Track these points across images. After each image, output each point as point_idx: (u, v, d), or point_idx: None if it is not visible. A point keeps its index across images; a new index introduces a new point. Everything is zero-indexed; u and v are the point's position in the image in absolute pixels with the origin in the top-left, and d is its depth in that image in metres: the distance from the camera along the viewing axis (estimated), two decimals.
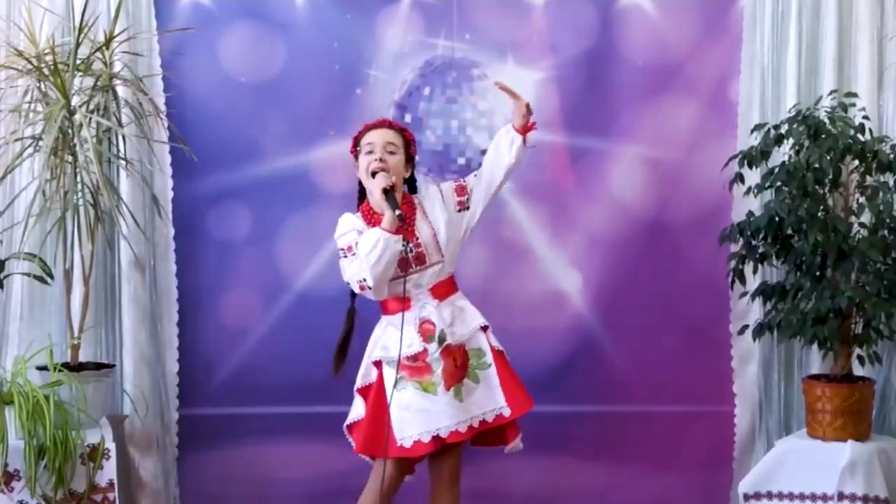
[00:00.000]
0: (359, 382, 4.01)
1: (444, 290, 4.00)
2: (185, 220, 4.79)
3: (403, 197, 4.02)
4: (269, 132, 4.83)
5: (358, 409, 4.02)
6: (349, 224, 3.97)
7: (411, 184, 4.12)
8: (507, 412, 3.92)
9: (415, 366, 3.90)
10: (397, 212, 3.81)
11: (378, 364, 3.96)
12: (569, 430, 4.90)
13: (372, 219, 3.94)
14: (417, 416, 3.87)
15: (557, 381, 4.86)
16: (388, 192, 3.86)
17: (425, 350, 3.91)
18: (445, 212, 4.01)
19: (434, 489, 4.00)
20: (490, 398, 3.93)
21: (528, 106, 3.96)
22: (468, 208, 4.04)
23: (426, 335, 3.92)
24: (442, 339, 3.92)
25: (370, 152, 3.96)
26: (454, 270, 4.05)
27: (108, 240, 4.64)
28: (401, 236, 3.84)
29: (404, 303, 3.93)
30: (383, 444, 3.89)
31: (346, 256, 3.93)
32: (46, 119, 4.28)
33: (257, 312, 4.84)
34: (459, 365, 3.92)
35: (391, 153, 3.96)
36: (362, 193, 4.05)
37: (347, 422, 4.06)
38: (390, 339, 3.95)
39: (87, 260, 4.49)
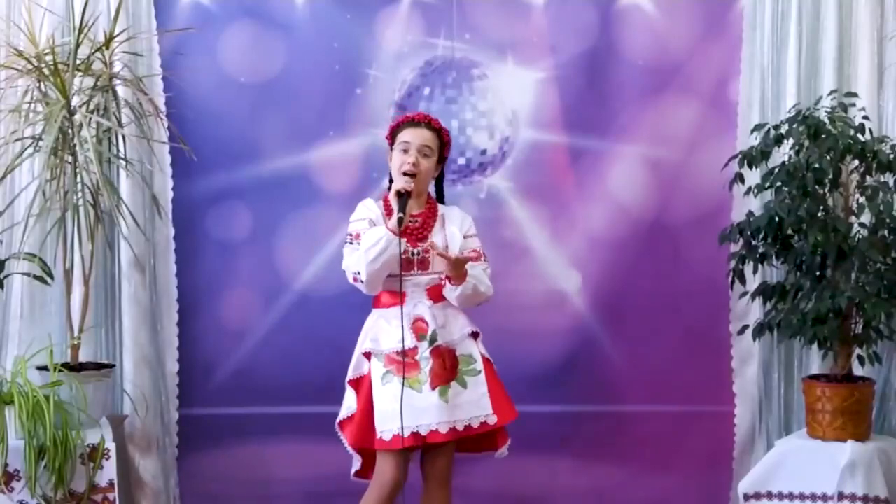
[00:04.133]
0: (350, 374, 4.04)
1: (440, 293, 4.02)
2: (185, 220, 4.79)
3: (428, 204, 4.07)
4: (269, 132, 4.83)
5: (349, 403, 4.04)
6: (366, 211, 4.02)
7: (439, 185, 4.16)
8: (492, 420, 3.96)
9: (403, 361, 3.92)
10: (399, 215, 3.84)
11: (368, 356, 3.99)
12: (569, 430, 4.90)
13: (391, 210, 3.95)
14: (400, 411, 3.88)
15: (557, 381, 4.86)
16: (401, 195, 3.89)
17: (416, 347, 3.93)
18: (460, 235, 4.05)
19: (425, 489, 4.02)
20: (477, 405, 3.95)
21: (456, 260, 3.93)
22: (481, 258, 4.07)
23: (418, 333, 3.94)
24: (433, 339, 3.94)
25: (405, 151, 3.98)
26: None
27: (108, 240, 4.64)
28: (404, 239, 3.87)
29: (399, 298, 3.95)
30: (373, 436, 3.92)
31: (350, 243, 3.98)
32: (46, 119, 4.28)
33: (257, 312, 4.84)
34: (448, 367, 3.94)
35: (425, 156, 3.99)
36: (391, 181, 4.07)
37: (339, 418, 4.07)
38: (380, 331, 3.98)
39: (87, 260, 4.49)
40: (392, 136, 4.06)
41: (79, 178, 4.38)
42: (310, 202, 4.80)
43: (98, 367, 4.52)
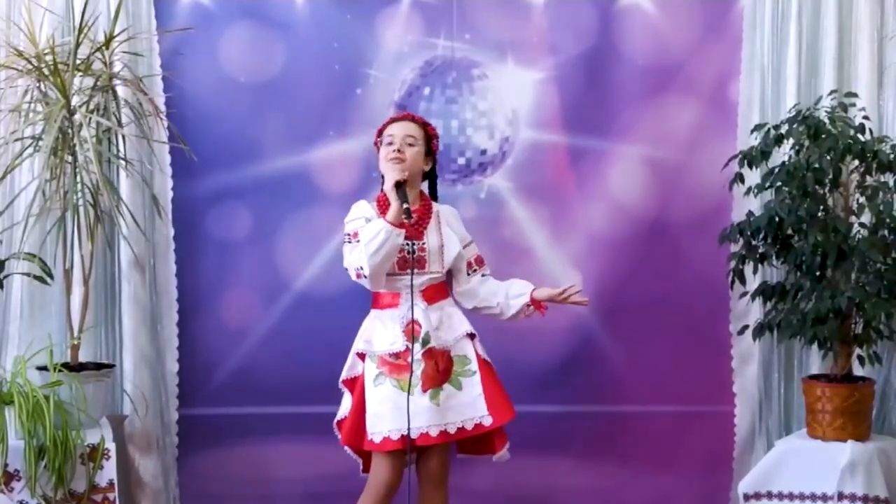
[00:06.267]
0: (344, 374, 4.07)
1: (435, 293, 4.03)
2: (185, 220, 4.79)
3: (423, 201, 4.09)
4: (269, 132, 4.82)
5: (347, 403, 4.07)
6: (360, 211, 4.04)
7: (432, 180, 4.17)
8: (487, 421, 3.95)
9: (395, 363, 3.94)
10: (405, 205, 3.85)
11: (362, 356, 4.00)
12: (569, 430, 4.90)
13: (385, 209, 3.98)
14: (391, 413, 3.90)
15: (557, 381, 4.86)
16: (399, 185, 3.91)
17: (408, 349, 3.93)
18: (457, 238, 4.08)
19: (420, 490, 4.03)
20: (471, 406, 3.95)
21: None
22: (472, 272, 4.16)
23: (411, 335, 3.93)
24: (426, 342, 3.94)
25: (390, 143, 4.03)
26: (446, 279, 4.11)
27: (108, 240, 4.64)
28: (403, 231, 3.87)
29: (395, 300, 3.96)
30: (364, 436, 3.94)
31: (349, 242, 4.00)
32: (46, 119, 4.27)
33: (257, 312, 4.84)
34: (441, 370, 3.95)
35: (410, 145, 4.03)
36: (383, 184, 4.10)
37: (338, 417, 4.10)
38: (374, 333, 4.00)
39: (86, 260, 4.49)
40: (378, 138, 4.11)
41: (79, 178, 4.38)
42: (310, 202, 4.80)
43: (98, 367, 4.52)
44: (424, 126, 4.12)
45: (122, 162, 4.55)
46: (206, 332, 4.82)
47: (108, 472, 4.29)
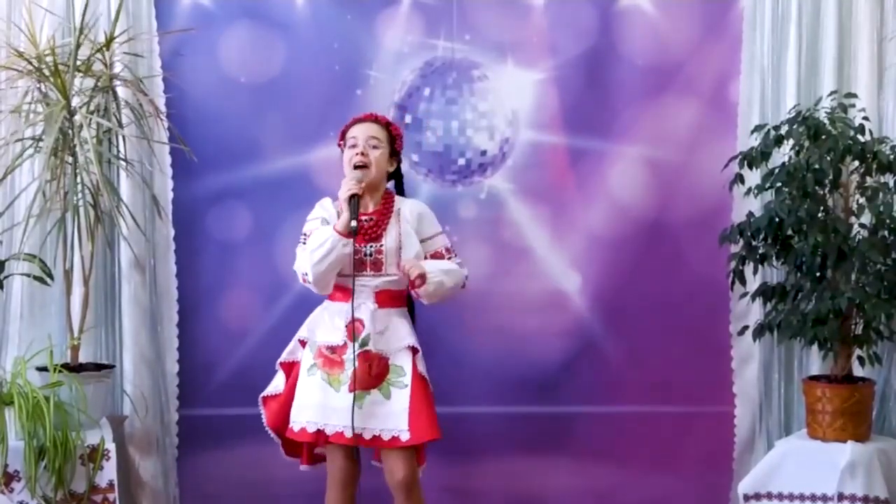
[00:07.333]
0: (283, 356, 4.08)
1: (388, 299, 3.98)
2: (185, 220, 4.79)
3: (384, 200, 4.03)
4: (269, 132, 4.83)
5: (277, 383, 4.08)
6: (321, 210, 4.03)
7: (398, 180, 4.13)
8: (405, 437, 3.89)
9: (330, 357, 3.93)
10: (353, 223, 3.81)
11: (304, 344, 4.02)
12: (569, 430, 4.90)
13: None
14: (314, 406, 3.91)
15: (557, 382, 4.87)
16: (352, 198, 3.87)
17: (345, 345, 3.91)
18: (415, 235, 4.01)
19: (395, 498, 3.99)
20: (393, 418, 3.90)
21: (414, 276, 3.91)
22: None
23: (352, 333, 3.91)
24: (364, 343, 3.91)
25: (353, 146, 3.99)
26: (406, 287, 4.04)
27: (108, 240, 4.64)
28: (351, 241, 3.85)
29: (346, 296, 3.94)
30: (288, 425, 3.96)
31: (303, 242, 3.99)
32: (47, 120, 4.28)
33: (257, 312, 4.84)
34: (374, 374, 3.91)
35: (374, 147, 3.99)
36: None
37: (264, 393, 4.11)
38: (319, 323, 4.00)
39: (86, 260, 4.49)
40: (342, 139, 4.07)
41: (79, 179, 4.38)
42: (310, 202, 4.76)
43: (98, 367, 4.52)
44: (388, 126, 4.06)
45: (123, 162, 4.55)
46: (206, 332, 4.83)
47: (108, 472, 4.29)
